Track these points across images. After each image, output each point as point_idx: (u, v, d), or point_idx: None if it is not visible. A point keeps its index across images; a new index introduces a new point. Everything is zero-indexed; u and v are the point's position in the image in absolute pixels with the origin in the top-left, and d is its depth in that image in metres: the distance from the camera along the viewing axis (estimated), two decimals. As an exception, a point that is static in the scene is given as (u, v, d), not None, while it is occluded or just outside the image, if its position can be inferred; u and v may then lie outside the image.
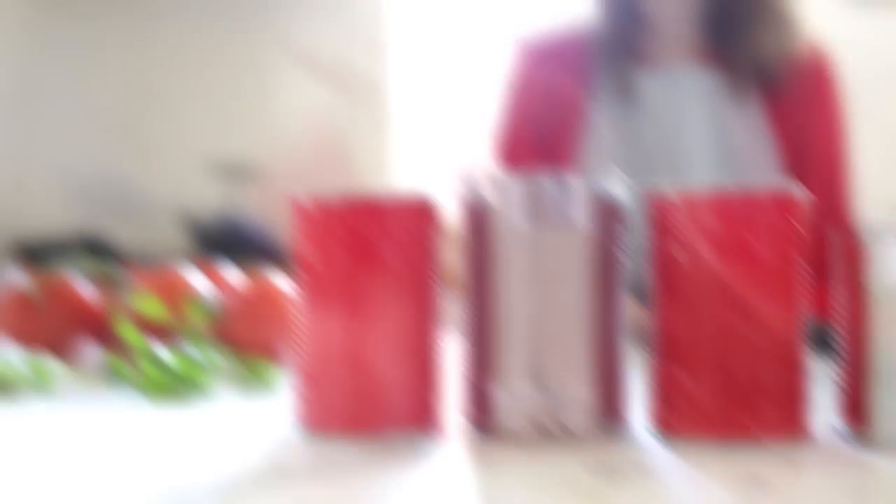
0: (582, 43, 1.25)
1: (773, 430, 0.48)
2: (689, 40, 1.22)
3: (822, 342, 0.54)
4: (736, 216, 0.48)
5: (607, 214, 0.52)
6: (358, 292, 0.50)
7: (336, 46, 3.04)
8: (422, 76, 2.99)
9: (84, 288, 0.90)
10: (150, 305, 0.79)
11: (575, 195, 0.51)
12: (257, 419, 0.58)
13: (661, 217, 0.50)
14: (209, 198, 2.94)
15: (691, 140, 1.17)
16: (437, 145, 3.00)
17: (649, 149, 1.19)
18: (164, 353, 0.67)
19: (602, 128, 1.20)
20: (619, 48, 1.22)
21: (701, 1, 1.21)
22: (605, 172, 1.17)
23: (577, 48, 1.25)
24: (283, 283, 0.83)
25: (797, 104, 1.21)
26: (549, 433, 0.50)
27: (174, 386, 0.66)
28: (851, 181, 1.24)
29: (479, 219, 0.52)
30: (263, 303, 0.82)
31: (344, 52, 3.03)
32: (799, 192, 0.49)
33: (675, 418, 0.50)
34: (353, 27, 3.02)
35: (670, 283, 0.50)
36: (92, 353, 0.95)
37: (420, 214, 0.51)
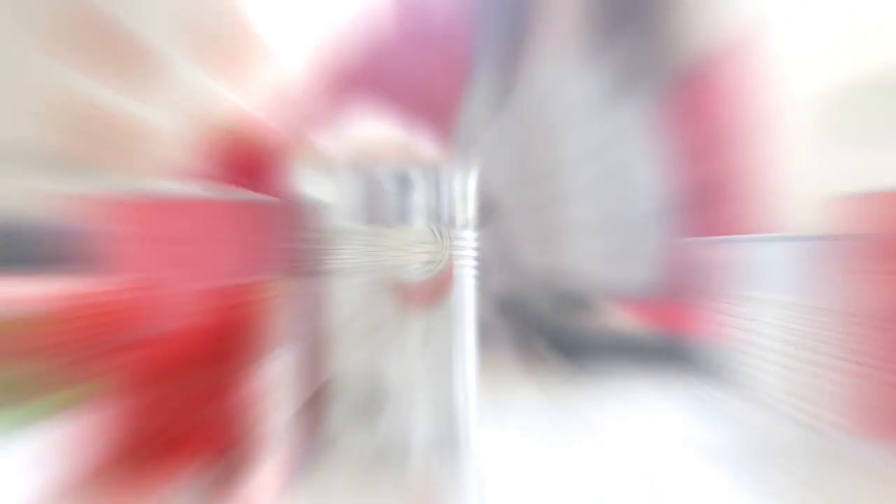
0: (465, 26, 1.21)
1: None
2: (578, 37, 1.21)
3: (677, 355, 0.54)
4: None
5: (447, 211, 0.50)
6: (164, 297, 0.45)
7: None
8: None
9: None
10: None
11: (413, 191, 0.49)
12: (54, 445, 0.52)
13: None
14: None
15: (566, 134, 1.17)
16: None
17: (523, 138, 1.18)
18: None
19: (476, 109, 1.19)
20: (504, 35, 1.20)
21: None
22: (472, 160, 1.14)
23: (460, 31, 1.22)
24: (83, 290, 0.76)
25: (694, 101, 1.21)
26: (384, 457, 0.48)
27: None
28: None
29: (315, 216, 0.49)
30: (62, 314, 0.74)
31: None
32: None
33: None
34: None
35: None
36: None
37: (231, 211, 0.47)
